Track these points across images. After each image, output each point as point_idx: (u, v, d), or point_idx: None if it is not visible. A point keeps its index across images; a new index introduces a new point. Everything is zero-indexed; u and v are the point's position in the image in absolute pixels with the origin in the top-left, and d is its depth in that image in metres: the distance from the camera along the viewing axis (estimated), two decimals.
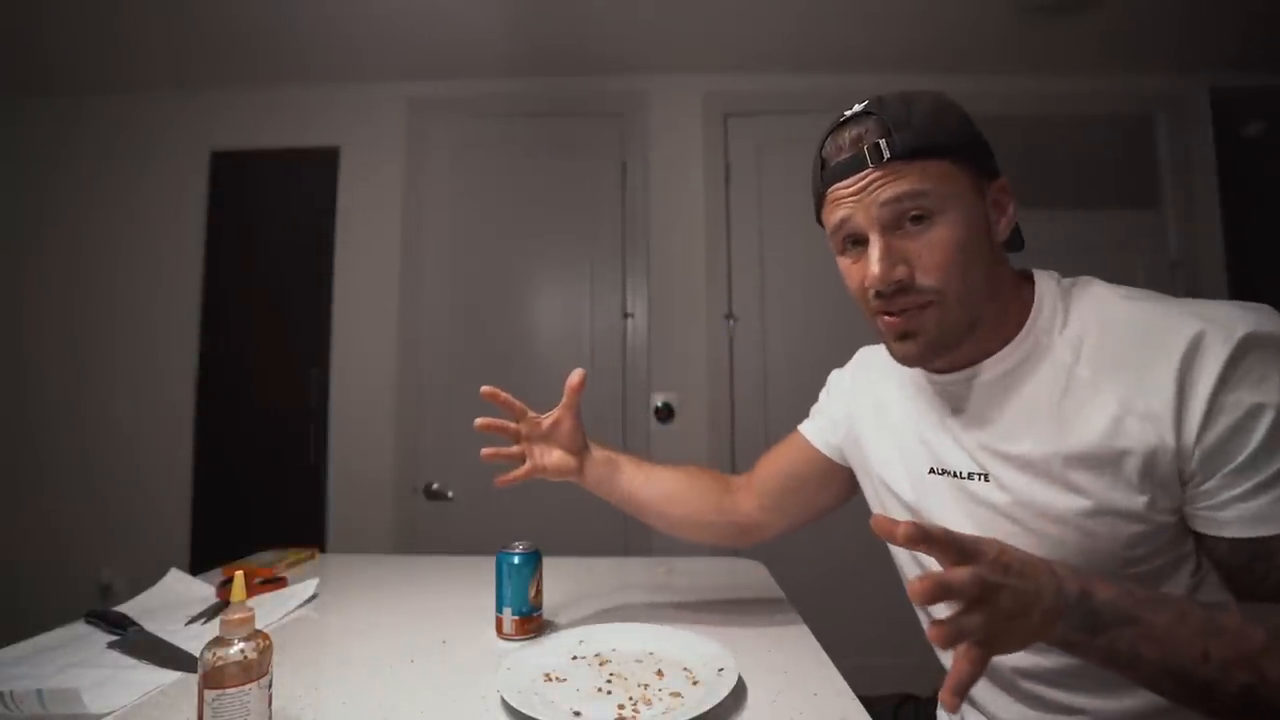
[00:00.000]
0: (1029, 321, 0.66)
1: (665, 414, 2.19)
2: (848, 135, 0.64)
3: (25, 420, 2.28)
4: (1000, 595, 0.47)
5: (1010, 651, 0.49)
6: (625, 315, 2.23)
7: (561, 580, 0.96)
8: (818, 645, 0.85)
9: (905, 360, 0.67)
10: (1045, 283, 0.68)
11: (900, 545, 0.47)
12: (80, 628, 0.91)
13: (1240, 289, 2.17)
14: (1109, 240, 2.18)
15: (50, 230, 2.33)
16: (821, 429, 0.91)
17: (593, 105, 2.29)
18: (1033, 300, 0.67)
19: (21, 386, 2.29)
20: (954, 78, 2.14)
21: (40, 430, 2.28)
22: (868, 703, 0.68)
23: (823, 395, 0.95)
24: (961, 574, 0.46)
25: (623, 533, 2.11)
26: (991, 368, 0.67)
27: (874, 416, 0.82)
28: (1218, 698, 0.49)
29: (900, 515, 0.77)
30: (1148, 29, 2.00)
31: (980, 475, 0.67)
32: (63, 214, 2.33)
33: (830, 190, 0.66)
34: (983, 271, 0.64)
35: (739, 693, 0.70)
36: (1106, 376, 0.60)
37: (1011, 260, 0.70)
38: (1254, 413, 0.53)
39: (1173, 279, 2.18)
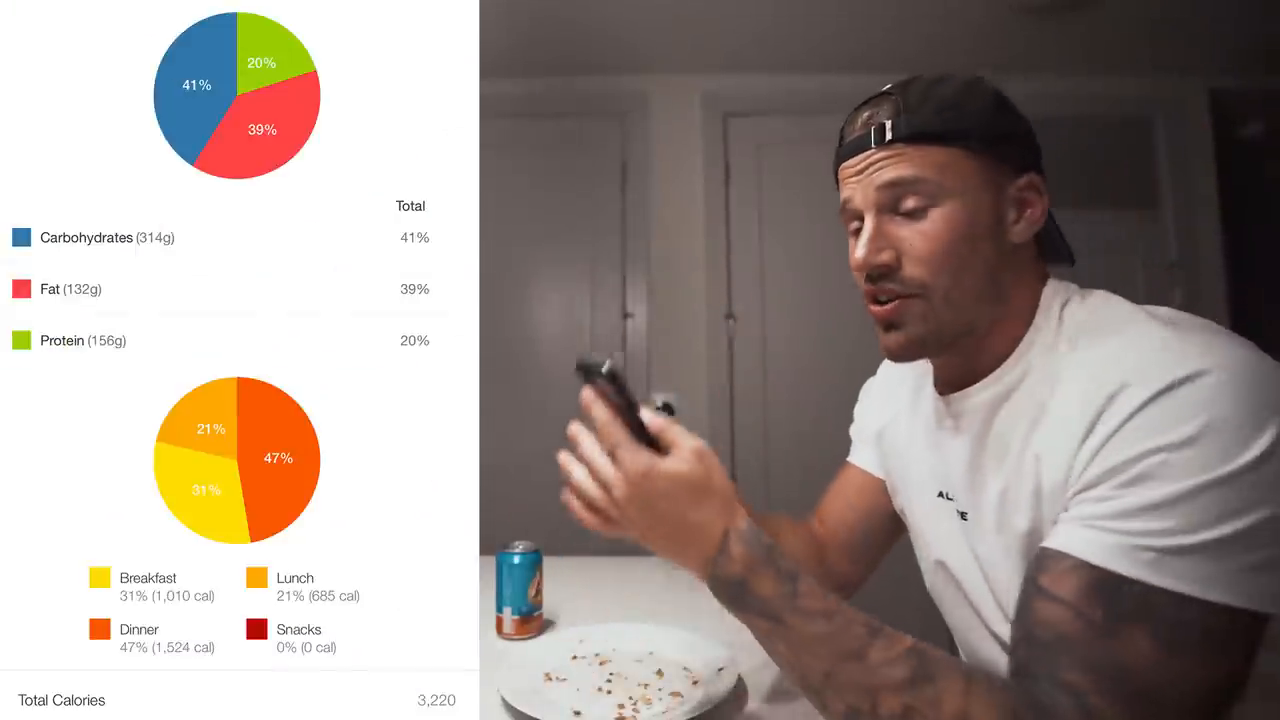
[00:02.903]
0: (1024, 341, 0.60)
1: (665, 414, 2.18)
2: (862, 114, 0.63)
3: None
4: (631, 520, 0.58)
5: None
6: (625, 315, 2.23)
7: (561, 580, 0.96)
8: None
9: (891, 353, 0.64)
10: (1049, 296, 0.61)
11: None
12: None
13: (1239, 291, 2.18)
14: (1107, 242, 2.18)
15: None
16: (871, 455, 0.85)
17: (593, 105, 2.29)
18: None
19: None
20: None
21: None
22: None
23: (858, 414, 0.89)
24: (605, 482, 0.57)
25: None
26: (980, 390, 0.62)
27: (898, 429, 0.78)
28: (830, 708, 0.52)
29: (915, 542, 0.75)
30: (1147, 29, 2.00)
31: (962, 512, 0.64)
32: None
33: (840, 168, 0.65)
34: (982, 273, 0.59)
35: (739, 693, 0.70)
36: (1064, 413, 0.53)
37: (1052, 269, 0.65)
38: (1139, 457, 0.47)
39: (1171, 281, 2.18)
